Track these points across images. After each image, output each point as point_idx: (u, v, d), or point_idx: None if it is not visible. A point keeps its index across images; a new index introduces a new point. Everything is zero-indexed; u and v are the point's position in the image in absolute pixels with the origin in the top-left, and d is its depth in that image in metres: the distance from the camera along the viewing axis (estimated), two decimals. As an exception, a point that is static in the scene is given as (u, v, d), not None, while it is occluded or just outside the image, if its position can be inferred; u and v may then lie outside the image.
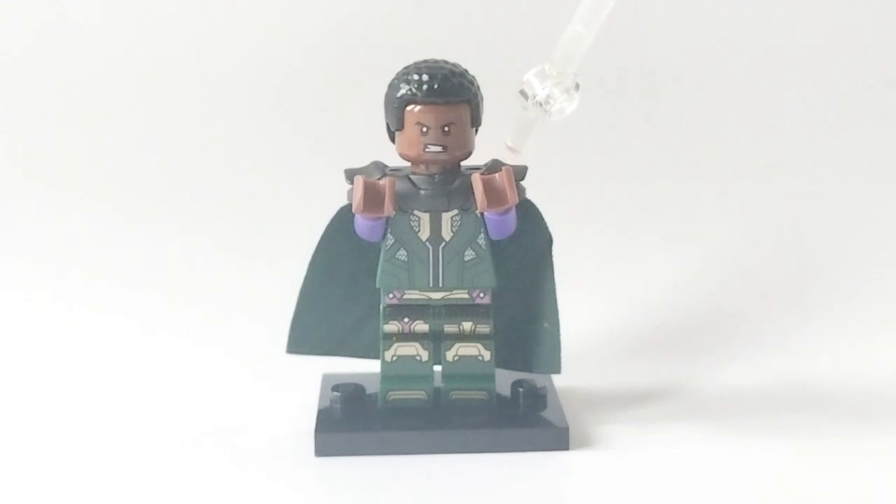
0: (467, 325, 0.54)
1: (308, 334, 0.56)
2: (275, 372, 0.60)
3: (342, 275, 0.55)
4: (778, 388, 0.60)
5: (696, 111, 0.76)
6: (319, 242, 0.54)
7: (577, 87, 0.51)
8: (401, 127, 0.52)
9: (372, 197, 0.51)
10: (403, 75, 0.52)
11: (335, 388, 0.55)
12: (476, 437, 0.52)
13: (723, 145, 0.77)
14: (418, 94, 0.51)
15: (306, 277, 0.55)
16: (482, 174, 0.51)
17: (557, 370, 0.55)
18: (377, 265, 0.53)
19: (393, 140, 0.53)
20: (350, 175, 0.52)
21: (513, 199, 0.51)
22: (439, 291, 0.54)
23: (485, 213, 0.52)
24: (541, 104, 0.51)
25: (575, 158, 0.74)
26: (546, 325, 0.55)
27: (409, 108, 0.51)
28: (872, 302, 0.70)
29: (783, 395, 0.59)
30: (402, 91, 0.51)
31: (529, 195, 0.53)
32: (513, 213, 0.52)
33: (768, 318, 0.68)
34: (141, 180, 0.74)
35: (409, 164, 0.53)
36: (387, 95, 0.52)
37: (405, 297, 0.54)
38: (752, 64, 0.77)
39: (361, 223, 0.52)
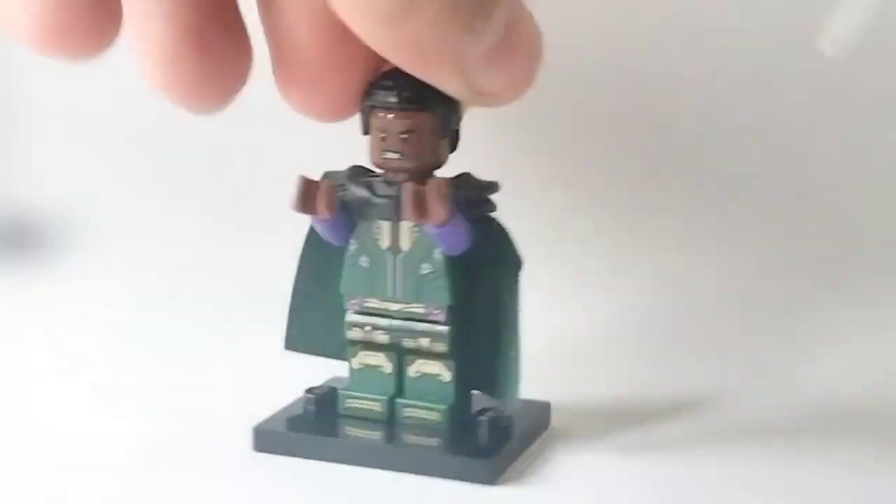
0: (424, 341, 0.52)
1: (304, 334, 0.56)
2: (275, 371, 0.60)
3: (329, 277, 0.55)
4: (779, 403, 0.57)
5: (696, 112, 0.73)
6: (304, 244, 0.55)
7: None
8: (367, 132, 0.51)
9: (307, 197, 0.51)
10: (374, 81, 0.51)
11: (309, 390, 0.55)
12: (405, 457, 0.51)
13: (723, 145, 0.73)
14: (379, 99, 0.50)
15: (295, 278, 0.55)
16: (415, 183, 0.50)
17: (514, 399, 0.52)
18: None
19: None
20: (324, 177, 0.52)
21: (437, 214, 0.49)
22: (397, 303, 0.53)
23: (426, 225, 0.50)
24: None
25: (574, 161, 0.72)
26: (512, 352, 0.52)
27: (373, 113, 0.50)
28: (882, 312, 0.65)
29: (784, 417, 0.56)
30: (369, 96, 0.51)
31: (531, 197, 0.51)
32: (459, 229, 0.50)
33: (768, 334, 0.65)
34: (142, 176, 0.75)
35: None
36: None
37: (365, 304, 0.53)
38: (749, 65, 0.72)
39: (318, 226, 0.52)
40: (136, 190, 0.75)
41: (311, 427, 0.53)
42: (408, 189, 0.49)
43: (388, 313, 0.53)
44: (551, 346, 0.63)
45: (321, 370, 0.57)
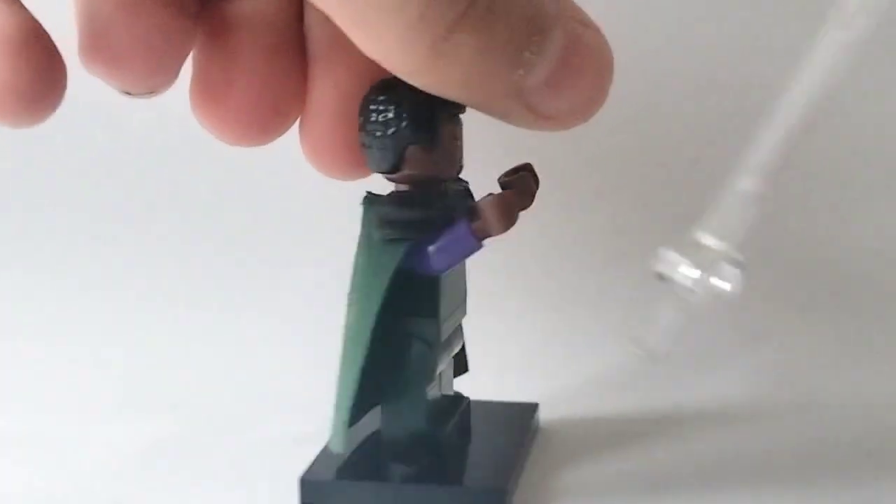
0: None
1: None
2: (279, 370, 0.61)
3: None
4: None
5: (698, 114, 0.73)
6: None
7: (739, 264, 0.38)
8: None
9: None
10: None
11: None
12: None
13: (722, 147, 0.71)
14: None
15: None
16: None
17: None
18: None
19: None
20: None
21: None
22: None
23: None
24: (691, 290, 0.38)
25: (574, 163, 0.72)
26: None
27: None
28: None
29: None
30: None
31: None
32: None
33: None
34: (153, 175, 0.74)
35: None
36: None
37: None
38: (747, 67, 0.72)
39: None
40: (138, 189, 0.75)
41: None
42: None
43: None
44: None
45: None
